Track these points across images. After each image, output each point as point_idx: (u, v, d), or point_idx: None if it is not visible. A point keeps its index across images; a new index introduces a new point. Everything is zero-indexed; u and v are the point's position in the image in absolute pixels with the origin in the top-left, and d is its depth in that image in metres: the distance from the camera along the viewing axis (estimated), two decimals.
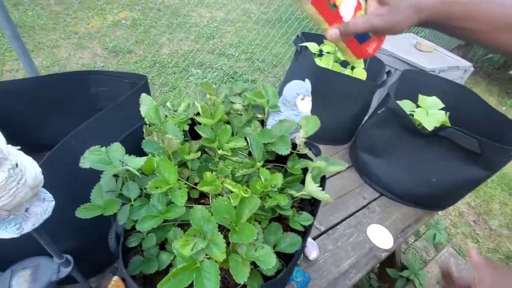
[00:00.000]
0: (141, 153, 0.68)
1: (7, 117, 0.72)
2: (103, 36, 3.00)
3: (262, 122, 0.65)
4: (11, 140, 0.78)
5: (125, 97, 0.69)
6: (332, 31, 0.41)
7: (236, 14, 4.02)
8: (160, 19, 3.53)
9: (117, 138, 0.68)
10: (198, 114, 0.59)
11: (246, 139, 0.56)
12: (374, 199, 1.01)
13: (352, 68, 1.16)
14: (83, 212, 0.43)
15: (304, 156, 0.59)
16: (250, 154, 0.55)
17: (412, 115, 0.96)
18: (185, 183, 0.51)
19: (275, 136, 0.57)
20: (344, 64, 1.17)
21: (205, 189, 0.45)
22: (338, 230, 0.88)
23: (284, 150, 0.54)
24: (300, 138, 0.57)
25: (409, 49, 2.42)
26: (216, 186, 0.45)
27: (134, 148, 0.68)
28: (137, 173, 0.47)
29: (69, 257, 0.52)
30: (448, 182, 0.91)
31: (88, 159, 0.50)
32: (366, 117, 1.17)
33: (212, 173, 0.49)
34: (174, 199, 0.43)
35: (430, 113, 0.97)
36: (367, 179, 1.06)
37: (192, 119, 0.62)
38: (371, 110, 1.16)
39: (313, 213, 0.52)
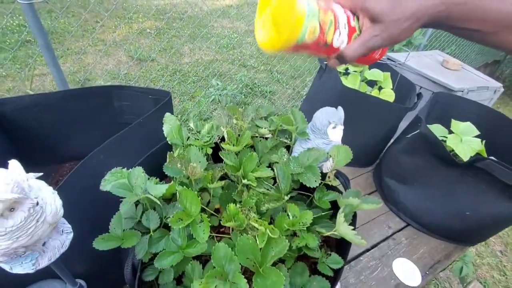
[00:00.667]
0: (162, 172, 0.66)
1: (35, 128, 0.72)
2: (128, 44, 3.09)
3: (288, 148, 0.62)
4: (36, 152, 0.78)
5: (148, 114, 0.68)
6: (332, 61, 0.39)
7: None
8: (183, 29, 3.61)
9: (139, 155, 0.66)
10: (222, 138, 0.56)
11: (271, 167, 0.53)
12: (400, 229, 0.95)
13: (380, 88, 1.11)
14: (100, 243, 0.40)
15: (333, 187, 0.55)
16: (274, 181, 0.52)
17: (444, 141, 0.90)
18: (205, 209, 0.48)
19: (303, 166, 0.53)
20: (371, 83, 1.13)
21: (229, 224, 0.42)
22: (361, 262, 0.83)
23: (312, 182, 0.51)
24: (329, 168, 0.53)
25: (436, 67, 2.34)
26: (240, 221, 0.42)
27: (155, 167, 0.66)
28: (159, 202, 0.44)
29: (82, 282, 0.50)
30: (483, 216, 0.84)
31: (109, 182, 0.48)
32: (392, 139, 1.12)
33: (235, 205, 0.46)
34: (195, 234, 0.40)
35: (464, 140, 0.91)
36: (393, 207, 1.00)
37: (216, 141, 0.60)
38: (398, 132, 1.10)
39: (343, 254, 0.48)
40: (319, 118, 0.54)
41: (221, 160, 0.57)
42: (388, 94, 1.08)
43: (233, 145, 0.52)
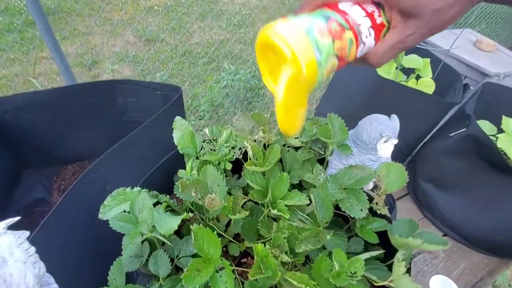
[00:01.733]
0: (171, 184, 0.57)
1: (30, 130, 0.64)
2: (136, 24, 2.95)
3: (322, 161, 0.52)
4: (34, 155, 0.71)
5: (156, 116, 0.58)
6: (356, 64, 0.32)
7: (269, 0, 3.80)
8: (192, 6, 3.42)
9: (146, 165, 0.57)
10: (245, 153, 0.46)
11: (300, 185, 0.43)
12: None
13: (418, 77, 0.97)
14: None
15: (378, 214, 0.45)
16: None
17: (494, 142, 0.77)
18: (223, 235, 0.40)
19: (343, 186, 0.43)
20: (408, 71, 0.99)
21: (259, 277, 0.33)
22: None
23: (357, 211, 0.41)
24: (379, 192, 0.43)
25: (468, 48, 2.11)
26: (273, 274, 0.33)
27: (164, 179, 0.57)
28: (169, 243, 0.36)
29: None
30: None
31: (110, 208, 0.40)
32: (428, 135, 0.99)
33: (264, 244, 0.36)
34: None
35: None
36: (429, 214, 0.90)
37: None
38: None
39: None
40: (367, 129, 0.43)
41: (240, 170, 0.48)
42: (427, 84, 0.94)
43: (259, 164, 0.42)
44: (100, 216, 0.40)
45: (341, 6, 0.27)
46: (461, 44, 2.18)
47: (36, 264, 0.25)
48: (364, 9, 0.28)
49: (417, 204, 0.93)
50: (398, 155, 1.02)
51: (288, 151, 0.50)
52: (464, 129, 0.81)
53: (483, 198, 0.78)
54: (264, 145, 0.48)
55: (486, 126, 0.86)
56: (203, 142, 0.51)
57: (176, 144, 0.53)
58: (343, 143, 0.46)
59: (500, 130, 0.84)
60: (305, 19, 0.25)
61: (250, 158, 0.43)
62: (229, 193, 0.46)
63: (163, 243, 0.38)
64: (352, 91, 1.01)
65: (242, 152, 0.47)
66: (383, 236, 0.43)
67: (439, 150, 0.87)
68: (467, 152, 0.78)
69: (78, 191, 0.46)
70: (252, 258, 0.47)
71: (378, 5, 0.29)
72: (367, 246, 0.46)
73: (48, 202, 0.69)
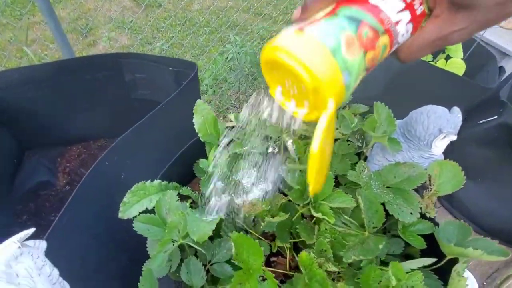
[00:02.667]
0: (190, 173, 0.53)
1: (30, 107, 0.57)
2: None
3: (359, 155, 0.47)
4: (34, 136, 0.65)
5: (172, 97, 0.52)
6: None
7: None
8: None
9: (161, 153, 0.52)
10: (280, 147, 0.41)
11: (336, 180, 0.39)
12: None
13: (447, 57, 0.90)
14: None
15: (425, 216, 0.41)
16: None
17: None
18: (250, 232, 0.36)
19: (386, 184, 0.39)
20: (435, 52, 0.91)
21: None
22: None
23: (407, 215, 0.37)
24: (428, 193, 0.39)
25: None
26: (324, 286, 0.29)
27: (182, 169, 0.52)
28: (203, 251, 0.31)
29: None
30: None
31: (130, 205, 0.35)
32: None
33: (308, 252, 0.33)
34: None
35: None
36: (445, 202, 0.87)
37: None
38: None
39: None
40: (423, 123, 0.37)
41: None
42: (457, 65, 0.87)
43: (299, 160, 0.37)
44: (120, 215, 0.35)
45: None
46: None
47: None
48: None
49: None
50: None
51: None
52: (496, 117, 0.76)
53: (508, 190, 0.76)
54: (300, 136, 0.42)
55: None
56: (227, 128, 0.46)
57: (197, 130, 0.47)
58: (391, 136, 0.40)
59: None
60: (326, 26, 0.19)
61: (285, 154, 0.38)
62: None
63: (195, 252, 0.34)
64: (373, 71, 0.94)
65: (278, 145, 0.42)
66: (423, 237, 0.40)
67: (465, 138, 0.82)
68: (498, 141, 0.74)
69: (92, 180, 0.41)
70: (283, 257, 0.43)
71: None
72: (405, 247, 0.43)
73: (54, 185, 0.64)
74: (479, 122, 0.79)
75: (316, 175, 0.21)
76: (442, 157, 0.40)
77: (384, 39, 0.20)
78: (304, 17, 0.21)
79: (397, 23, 0.20)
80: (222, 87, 2.04)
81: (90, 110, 0.66)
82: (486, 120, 0.77)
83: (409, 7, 0.21)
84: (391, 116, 0.42)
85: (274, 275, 0.37)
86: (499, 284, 0.77)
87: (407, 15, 0.21)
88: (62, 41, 1.06)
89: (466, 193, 0.83)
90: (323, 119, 0.19)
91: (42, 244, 0.24)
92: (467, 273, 0.74)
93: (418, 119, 0.38)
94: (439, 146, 0.38)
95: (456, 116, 0.37)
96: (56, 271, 0.23)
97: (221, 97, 2.03)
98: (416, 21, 0.22)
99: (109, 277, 0.43)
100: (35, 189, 0.62)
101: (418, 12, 0.21)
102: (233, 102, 2.11)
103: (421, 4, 0.21)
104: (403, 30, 0.21)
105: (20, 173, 0.61)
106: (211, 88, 1.97)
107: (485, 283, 0.74)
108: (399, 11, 0.20)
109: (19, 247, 0.21)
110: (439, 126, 0.36)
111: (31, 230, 0.24)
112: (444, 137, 0.37)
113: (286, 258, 0.42)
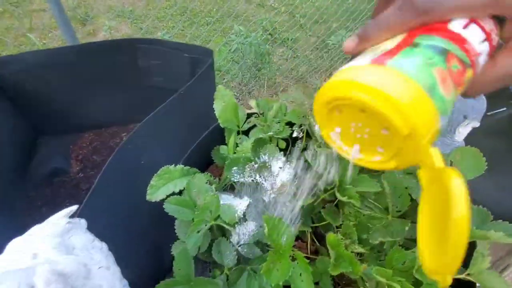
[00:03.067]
0: (208, 158, 0.53)
1: (46, 92, 0.57)
2: None
3: None
4: (47, 121, 0.64)
5: (191, 83, 0.52)
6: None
7: None
8: None
9: (179, 138, 0.53)
10: (304, 132, 0.41)
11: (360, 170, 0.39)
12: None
13: None
14: None
15: None
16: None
17: None
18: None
19: (410, 173, 0.39)
20: None
21: (338, 272, 0.30)
22: None
23: None
24: None
25: None
26: (355, 270, 0.30)
27: (201, 154, 0.53)
28: (232, 231, 0.32)
29: None
30: None
31: (157, 188, 0.36)
32: None
33: (336, 233, 0.33)
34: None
35: None
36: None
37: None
38: None
39: None
40: None
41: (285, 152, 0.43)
42: None
43: (325, 145, 0.38)
44: (148, 197, 0.36)
45: (452, 26, 0.17)
46: None
47: (116, 266, 0.21)
48: (482, 27, 0.18)
49: None
50: None
51: None
52: (505, 109, 0.77)
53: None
54: None
55: None
56: (250, 116, 0.46)
57: (217, 116, 0.47)
58: None
59: None
60: (411, 59, 0.16)
61: (311, 138, 0.38)
62: None
63: (224, 234, 0.35)
64: None
65: (303, 130, 0.42)
66: None
67: (474, 128, 0.83)
68: (508, 133, 0.75)
69: (116, 165, 0.41)
70: (303, 241, 0.44)
71: (497, 19, 0.19)
72: None
73: (67, 172, 0.64)
74: (488, 113, 0.80)
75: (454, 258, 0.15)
76: (463, 143, 0.41)
77: (469, 73, 0.18)
78: (363, 48, 0.19)
79: (479, 54, 0.18)
80: (224, 79, 2.03)
81: (105, 96, 0.65)
82: (495, 111, 0.78)
83: (489, 37, 0.18)
84: None
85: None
86: (499, 272, 0.79)
87: (486, 47, 0.18)
88: (65, 28, 1.05)
89: (474, 183, 0.84)
90: (457, 181, 0.15)
91: (83, 222, 0.24)
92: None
93: None
94: (462, 132, 0.38)
95: (481, 103, 0.37)
96: (105, 245, 0.23)
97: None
98: (491, 53, 0.19)
99: (123, 260, 0.44)
100: (49, 176, 0.62)
101: (494, 42, 0.19)
102: (236, 93, 2.10)
103: (496, 35, 0.19)
104: (482, 62, 0.19)
105: (34, 159, 0.60)
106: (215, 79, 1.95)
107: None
108: (481, 42, 0.18)
109: (68, 222, 0.21)
110: (464, 112, 0.37)
111: (75, 207, 0.24)
112: (468, 123, 0.38)
113: (305, 242, 0.43)
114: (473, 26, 0.18)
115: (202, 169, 0.57)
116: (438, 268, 0.16)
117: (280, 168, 0.36)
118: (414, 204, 0.40)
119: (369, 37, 0.18)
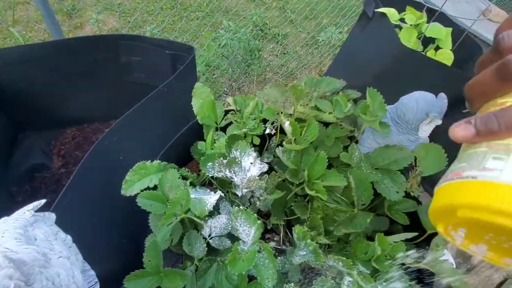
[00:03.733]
0: (187, 154, 0.54)
1: (27, 88, 0.56)
2: None
3: (351, 139, 0.49)
4: (29, 117, 0.64)
5: (170, 80, 0.53)
6: None
7: None
8: None
9: (158, 134, 0.53)
10: (277, 129, 0.43)
11: (330, 164, 0.41)
12: None
13: (437, 48, 0.92)
14: (133, 282, 0.31)
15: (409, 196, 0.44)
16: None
17: None
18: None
19: (375, 166, 0.42)
20: (426, 41, 0.94)
21: (299, 262, 0.32)
22: None
23: (393, 193, 0.40)
24: (414, 174, 0.42)
25: (476, 17, 2.03)
26: (317, 258, 0.32)
27: (180, 150, 0.54)
28: (203, 224, 0.33)
29: None
30: None
31: (132, 183, 0.37)
32: None
33: (302, 226, 0.35)
34: (260, 278, 0.30)
35: None
36: (429, 188, 0.92)
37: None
38: None
39: (427, 285, 0.39)
40: (412, 108, 0.40)
41: (261, 144, 0.45)
42: (446, 56, 0.90)
43: (296, 141, 0.39)
44: (122, 192, 0.37)
45: None
46: (469, 11, 2.09)
47: (78, 255, 0.22)
48: None
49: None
50: None
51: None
52: None
53: None
54: (296, 119, 0.44)
55: None
56: (227, 113, 0.47)
57: (195, 113, 0.48)
58: (381, 121, 0.43)
59: None
60: None
61: (282, 135, 0.40)
62: None
63: (195, 226, 0.36)
64: (365, 60, 0.96)
65: (275, 127, 0.43)
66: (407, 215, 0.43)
67: (451, 125, 0.86)
68: None
69: (93, 160, 0.42)
70: (277, 234, 0.46)
71: None
72: (391, 224, 0.46)
73: (49, 167, 0.64)
74: (463, 111, 0.83)
75: None
76: (428, 140, 0.43)
77: None
78: (480, 141, 0.18)
79: None
80: (214, 74, 2.02)
81: (86, 92, 0.65)
82: (468, 110, 0.81)
83: None
84: (382, 102, 0.44)
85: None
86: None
87: None
88: (50, 21, 1.03)
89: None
90: None
91: (51, 216, 0.25)
92: (445, 251, 0.80)
93: (408, 104, 0.40)
94: (426, 130, 0.40)
95: (442, 101, 0.39)
96: (69, 237, 0.24)
97: (213, 84, 2.01)
98: None
99: (102, 254, 0.45)
100: (31, 171, 0.62)
101: None
102: (225, 89, 2.10)
103: None
104: None
105: (15, 155, 0.60)
106: (204, 75, 1.95)
107: (461, 261, 0.79)
108: None
109: (32, 215, 0.22)
110: (426, 110, 0.39)
111: (43, 201, 0.25)
112: (430, 121, 0.40)
113: (279, 234, 0.45)
114: None
115: (183, 165, 0.58)
116: None
117: (251, 163, 0.37)
118: (379, 199, 0.42)
119: (493, 133, 0.17)
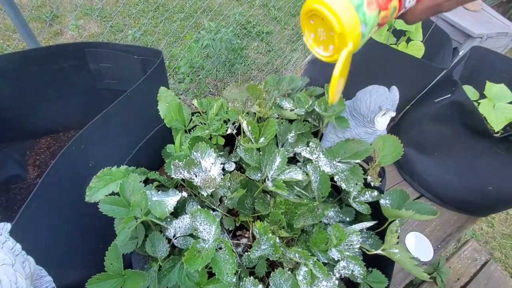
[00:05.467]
0: (158, 158, 0.55)
1: None
2: None
3: (316, 133, 0.51)
4: (2, 128, 0.64)
5: (137, 85, 0.53)
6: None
7: None
8: None
9: (128, 139, 0.54)
10: (238, 129, 0.44)
11: (295, 158, 0.43)
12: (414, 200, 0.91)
13: (408, 40, 0.94)
14: (96, 285, 0.31)
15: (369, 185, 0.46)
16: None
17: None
18: (216, 210, 0.39)
19: (337, 159, 0.43)
20: (398, 33, 0.96)
21: (258, 256, 0.33)
22: None
23: (353, 185, 0.41)
24: (373, 165, 0.43)
25: None
26: (275, 251, 0.33)
27: (150, 154, 0.54)
28: (164, 224, 0.34)
29: None
30: (507, 192, 0.79)
31: (97, 190, 0.37)
32: (413, 101, 1.00)
33: (263, 222, 0.36)
34: (218, 273, 0.31)
35: (497, 106, 0.81)
36: (408, 177, 0.94)
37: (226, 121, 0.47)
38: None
39: (386, 270, 0.41)
40: (366, 102, 0.41)
41: (231, 143, 0.46)
42: (417, 48, 0.92)
43: (255, 139, 0.40)
44: (87, 199, 0.37)
45: None
46: None
47: (25, 263, 0.23)
48: None
49: (398, 167, 0.97)
50: None
51: (282, 123, 0.48)
52: (449, 95, 0.82)
53: (460, 162, 0.83)
54: (259, 118, 0.45)
55: (469, 91, 0.87)
56: (193, 115, 0.48)
57: (162, 117, 0.49)
58: (340, 115, 0.44)
59: (482, 96, 0.86)
60: None
61: (244, 134, 0.41)
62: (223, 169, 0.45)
63: (159, 228, 0.37)
64: None
65: (236, 126, 0.44)
66: (371, 205, 0.45)
67: (423, 116, 0.89)
68: (451, 118, 0.80)
69: (59, 168, 0.42)
70: (247, 230, 0.47)
71: None
72: (357, 215, 0.48)
73: (24, 178, 0.64)
74: (435, 100, 0.85)
75: (334, 91, 0.28)
76: (385, 132, 0.44)
77: (394, 3, 0.27)
78: None
79: None
80: (199, 75, 2.02)
81: (58, 101, 0.65)
82: (441, 98, 0.83)
83: None
84: (341, 97, 0.45)
85: (238, 245, 0.40)
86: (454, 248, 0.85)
87: None
88: (24, 31, 1.02)
89: (425, 167, 0.90)
90: (344, 53, 0.25)
91: (6, 226, 0.26)
92: (422, 237, 0.82)
93: (362, 98, 0.42)
94: (381, 122, 0.42)
95: (394, 94, 0.40)
96: (19, 246, 0.25)
97: (198, 85, 2.01)
98: None
99: (80, 260, 0.45)
100: (5, 183, 0.62)
101: None
102: (211, 89, 2.10)
103: None
104: None
105: None
106: (188, 76, 1.94)
107: (439, 246, 0.82)
108: None
109: None
110: (379, 103, 0.40)
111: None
112: (384, 113, 0.41)
113: (249, 230, 0.46)
114: None
115: (156, 168, 0.59)
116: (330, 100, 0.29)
117: (212, 163, 0.38)
118: (346, 191, 0.44)
119: None
